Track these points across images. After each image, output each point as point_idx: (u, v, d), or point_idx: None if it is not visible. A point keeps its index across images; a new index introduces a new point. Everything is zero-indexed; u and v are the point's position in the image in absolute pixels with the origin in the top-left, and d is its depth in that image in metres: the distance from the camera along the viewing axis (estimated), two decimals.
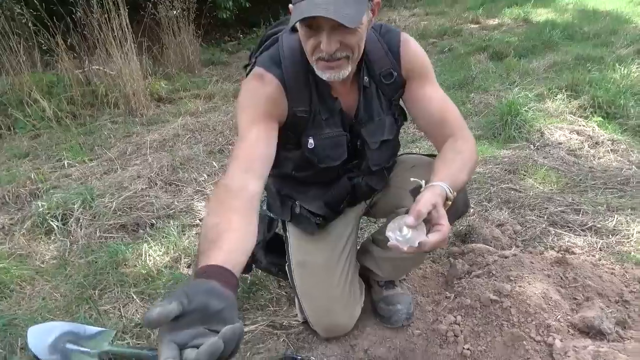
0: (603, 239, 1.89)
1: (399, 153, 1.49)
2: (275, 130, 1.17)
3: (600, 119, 3.21)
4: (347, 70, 1.11)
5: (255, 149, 1.09)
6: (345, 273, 1.45)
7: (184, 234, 2.23)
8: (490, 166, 2.64)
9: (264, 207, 1.55)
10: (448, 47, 5.50)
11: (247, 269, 1.75)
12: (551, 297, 1.40)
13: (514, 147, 2.94)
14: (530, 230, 1.97)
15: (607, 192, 2.29)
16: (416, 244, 0.94)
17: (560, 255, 1.64)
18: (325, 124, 1.24)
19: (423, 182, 1.06)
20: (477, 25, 6.41)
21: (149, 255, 2.08)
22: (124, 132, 3.85)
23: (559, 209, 2.13)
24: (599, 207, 2.14)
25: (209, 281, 0.71)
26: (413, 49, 1.24)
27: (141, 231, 2.32)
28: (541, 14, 6.35)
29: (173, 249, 2.11)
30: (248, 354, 1.51)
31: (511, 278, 1.48)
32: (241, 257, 0.85)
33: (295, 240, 1.48)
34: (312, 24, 1.02)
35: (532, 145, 2.93)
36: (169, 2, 5.42)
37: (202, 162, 2.97)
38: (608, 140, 2.92)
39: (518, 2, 7.10)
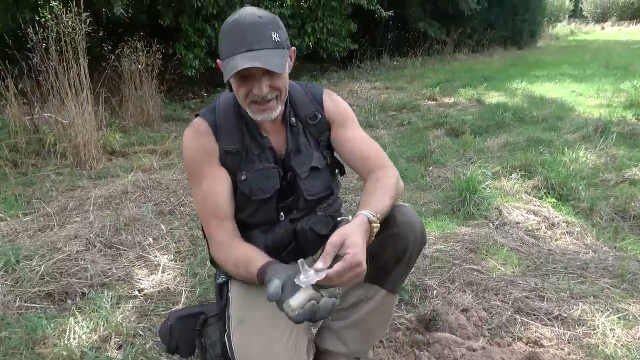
0: (570, 330, 1.79)
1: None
2: (220, 167, 1.31)
3: (554, 200, 3.25)
4: (277, 110, 1.26)
5: (215, 197, 1.29)
6: (289, 327, 1.25)
7: (119, 307, 1.95)
8: (452, 243, 2.56)
9: (215, 273, 1.48)
10: (407, 120, 5.64)
11: (190, 349, 1.54)
12: None
13: (473, 224, 2.89)
14: (496, 318, 1.85)
15: (568, 277, 2.22)
16: (322, 277, 1.00)
17: (532, 350, 1.51)
18: (257, 159, 1.33)
19: (350, 217, 1.15)
20: (434, 102, 6.67)
21: (74, 332, 1.79)
22: (69, 185, 3.55)
23: (523, 294, 2.03)
24: (562, 293, 2.06)
25: (272, 266, 1.12)
26: (334, 98, 1.43)
27: (69, 301, 2.02)
28: (493, 97, 6.70)
29: (103, 325, 1.83)
30: None
31: None
32: (266, 256, 1.20)
33: (236, 297, 1.36)
34: (245, 74, 1.16)
35: (491, 224, 2.89)
36: (134, 55, 5.31)
37: (150, 223, 2.73)
38: (563, 222, 2.93)
39: (471, 84, 7.51)
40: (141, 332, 1.80)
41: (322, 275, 1.00)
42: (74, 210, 3.01)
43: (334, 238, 1.05)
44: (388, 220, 1.24)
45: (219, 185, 1.30)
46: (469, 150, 4.35)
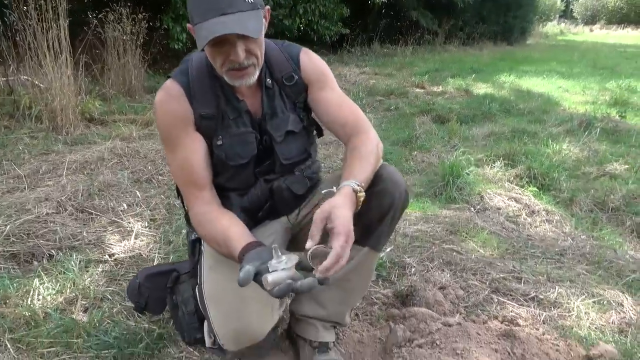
0: (546, 312, 1.78)
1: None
2: (195, 133, 1.25)
3: (535, 189, 3.26)
4: (255, 75, 1.21)
5: (192, 165, 1.24)
6: None
7: (87, 271, 1.88)
8: (432, 224, 2.54)
9: (187, 230, 1.44)
10: (394, 105, 5.60)
11: (160, 306, 1.49)
12: None
13: (454, 208, 2.88)
14: (473, 296, 1.83)
15: (546, 261, 2.23)
16: (294, 262, 0.99)
17: (507, 328, 1.49)
18: (233, 124, 1.27)
19: (334, 189, 1.12)
20: (422, 90, 6.64)
21: (39, 293, 1.71)
22: (43, 149, 3.43)
23: (501, 275, 2.02)
24: (540, 276, 2.06)
25: (249, 252, 1.06)
26: (312, 57, 1.36)
27: (35, 263, 1.94)
28: (481, 88, 6.70)
29: (70, 287, 1.76)
30: None
31: (457, 351, 1.30)
32: (248, 233, 1.17)
33: (209, 250, 1.30)
34: (219, 40, 1.09)
35: (472, 208, 2.88)
36: (117, 22, 5.14)
37: (125, 190, 2.64)
38: (543, 210, 2.94)
39: (460, 74, 7.50)
40: (109, 296, 1.73)
41: (294, 261, 0.98)
42: (46, 173, 2.90)
43: (319, 214, 1.02)
44: (373, 179, 1.22)
45: (195, 152, 1.25)
46: (455, 138, 4.34)
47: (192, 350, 1.48)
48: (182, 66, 1.29)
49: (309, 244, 0.99)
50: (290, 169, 1.35)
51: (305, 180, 1.38)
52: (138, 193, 2.62)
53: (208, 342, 1.24)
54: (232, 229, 1.17)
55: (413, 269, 2.02)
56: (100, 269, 1.91)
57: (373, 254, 1.31)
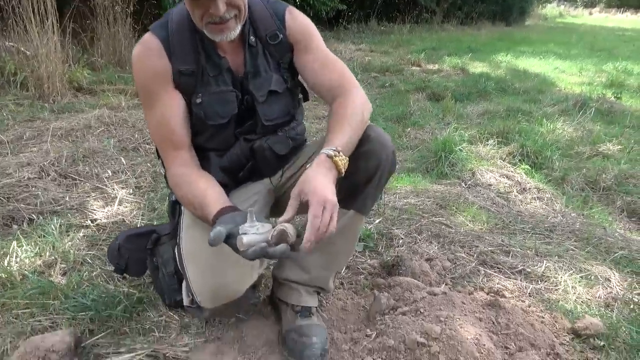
0: (532, 284, 1.77)
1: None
2: (173, 90, 1.21)
3: (527, 167, 3.24)
4: (237, 29, 1.16)
5: (169, 123, 1.20)
6: None
7: (68, 235, 1.84)
8: (422, 198, 2.51)
9: (169, 192, 1.39)
10: (389, 82, 5.52)
11: (141, 268, 1.47)
12: (484, 345, 1.21)
13: (445, 183, 2.85)
14: (460, 268, 1.81)
15: (535, 237, 2.21)
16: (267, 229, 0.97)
17: (493, 298, 1.47)
18: (213, 82, 1.22)
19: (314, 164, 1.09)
20: (418, 68, 6.55)
21: (17, 256, 1.67)
22: (28, 115, 3.35)
23: (489, 248, 2.00)
24: (528, 251, 2.04)
25: (224, 215, 1.04)
26: (297, 15, 1.30)
27: (15, 227, 1.89)
28: (477, 67, 6.62)
29: (49, 251, 1.71)
30: None
31: (441, 319, 1.28)
32: (224, 197, 1.15)
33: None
34: None
35: (463, 184, 2.85)
36: None
37: (110, 157, 2.58)
38: (534, 188, 2.92)
39: (457, 53, 7.40)
40: (89, 260, 1.69)
41: (268, 228, 0.96)
42: (30, 139, 2.83)
43: (294, 190, 1.02)
44: (360, 139, 1.18)
45: (172, 109, 1.20)
46: (449, 115, 4.28)
47: (172, 314, 1.45)
48: (162, 19, 1.24)
49: (280, 219, 0.98)
50: (272, 130, 1.31)
51: (288, 140, 1.34)
52: (124, 160, 2.56)
53: (186, 300, 1.21)
54: (209, 193, 1.13)
55: (401, 241, 2.00)
56: (81, 234, 1.87)
57: (359, 217, 1.27)
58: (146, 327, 1.39)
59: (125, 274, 1.55)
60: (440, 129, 3.93)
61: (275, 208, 1.41)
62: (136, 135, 3.00)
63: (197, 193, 1.14)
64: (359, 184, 1.23)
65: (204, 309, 1.16)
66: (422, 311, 1.36)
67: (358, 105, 1.20)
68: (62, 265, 1.66)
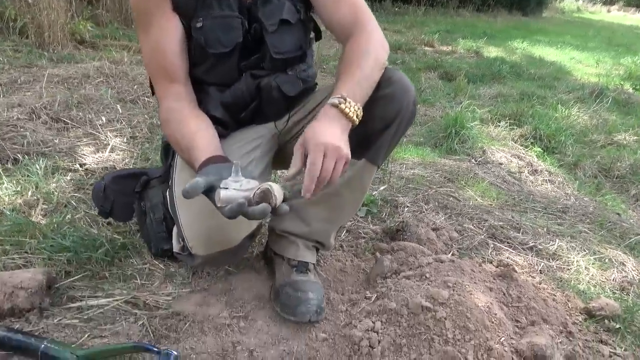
0: (544, 261, 1.65)
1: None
2: (171, 13, 1.08)
3: (539, 150, 3.11)
4: None
5: (165, 51, 1.08)
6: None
7: (53, 177, 1.72)
8: (430, 171, 2.38)
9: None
10: (401, 60, 5.35)
11: (127, 213, 1.36)
12: (495, 314, 1.10)
13: (454, 158, 2.72)
14: (467, 240, 1.70)
15: (546, 216, 2.09)
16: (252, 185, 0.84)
17: (505, 269, 1.36)
18: (216, 4, 1.08)
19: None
20: (431, 48, 6.35)
21: None
22: (25, 62, 3.20)
23: (499, 223, 1.88)
24: (539, 229, 1.92)
25: (210, 165, 0.93)
26: None
27: None
28: (492, 51, 6.42)
29: (32, 190, 1.60)
30: (86, 335, 1.06)
31: (449, 284, 1.16)
32: (216, 143, 1.03)
33: None
34: None
35: (473, 160, 2.72)
36: None
37: (107, 105, 2.45)
38: (546, 170, 2.79)
39: (472, 37, 7.18)
40: (74, 203, 1.58)
41: (253, 185, 0.84)
42: (24, 84, 2.69)
43: (297, 143, 0.94)
44: (380, 83, 1.06)
45: (169, 36, 1.08)
46: (461, 95, 4.13)
47: (157, 262, 1.34)
48: None
49: (287, 175, 0.91)
50: (282, 67, 1.17)
51: (299, 81, 1.20)
52: (120, 110, 2.43)
53: (176, 247, 1.09)
54: (200, 136, 1.01)
55: (406, 209, 1.88)
56: (68, 177, 1.75)
57: (370, 167, 1.15)
58: (127, 274, 1.27)
59: (110, 219, 1.43)
60: (451, 107, 3.78)
61: (278, 157, 1.29)
62: (135, 87, 2.86)
63: (186, 133, 1.02)
64: (374, 131, 1.11)
65: (196, 257, 1.04)
66: (427, 276, 1.24)
67: (372, 45, 1.07)
68: (44, 206, 1.54)
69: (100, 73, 3.05)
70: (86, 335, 1.05)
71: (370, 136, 1.12)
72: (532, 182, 2.59)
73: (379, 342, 1.06)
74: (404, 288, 1.19)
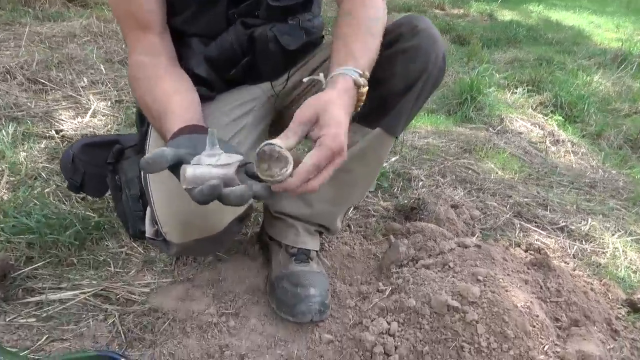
0: (577, 244, 1.45)
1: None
2: None
3: (560, 118, 2.87)
4: None
5: None
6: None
7: (24, 145, 1.51)
8: (445, 140, 2.15)
9: None
10: None
11: (100, 187, 1.16)
12: (537, 316, 0.90)
13: (471, 127, 2.49)
14: (491, 219, 1.49)
15: (574, 191, 1.87)
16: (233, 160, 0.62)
17: (540, 256, 1.15)
18: None
19: (321, 76, 0.76)
20: (441, 11, 5.99)
21: None
22: (7, 19, 2.93)
23: (524, 199, 1.67)
24: (568, 206, 1.71)
25: (182, 135, 0.70)
26: None
27: None
28: (506, 15, 6.05)
29: None
30: (44, 338, 0.87)
31: (479, 277, 0.97)
32: (196, 109, 0.80)
33: None
34: None
35: (491, 129, 2.49)
36: None
37: (91, 66, 2.21)
38: (568, 141, 2.56)
39: (485, 0, 6.79)
40: (45, 175, 1.37)
41: (234, 160, 0.62)
42: (3, 42, 2.45)
43: (304, 111, 0.67)
44: (402, 33, 0.85)
45: None
46: (474, 60, 3.84)
47: (135, 246, 1.14)
48: None
49: (277, 142, 0.63)
50: (280, 16, 0.94)
51: (301, 32, 0.97)
52: (105, 71, 2.19)
53: (149, 230, 0.89)
54: (176, 101, 0.79)
55: (420, 183, 1.67)
56: (43, 145, 1.54)
57: (386, 138, 0.93)
58: (100, 260, 1.08)
59: (83, 193, 1.23)
60: (465, 72, 3.51)
61: (276, 126, 1.07)
62: (125, 48, 2.60)
63: (159, 96, 0.80)
64: (393, 92, 0.88)
65: (171, 244, 0.84)
66: (451, 266, 1.04)
67: (380, 10, 0.85)
68: (11, 179, 1.34)
69: (87, 32, 2.78)
70: (44, 338, 0.86)
71: (388, 99, 0.90)
72: (555, 154, 2.37)
73: (396, 348, 0.87)
74: (424, 280, 0.99)
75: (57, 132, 1.63)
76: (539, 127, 2.66)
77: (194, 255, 1.08)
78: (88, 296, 0.96)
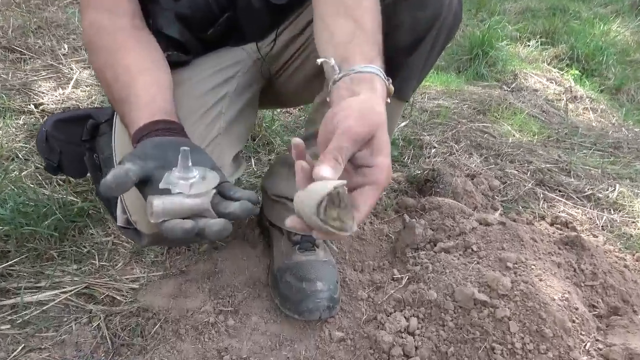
0: (605, 214, 1.33)
1: None
2: None
3: (577, 72, 2.68)
4: None
5: None
6: (204, 127, 0.75)
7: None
8: (457, 101, 1.99)
9: None
10: None
11: (80, 168, 1.01)
12: (576, 308, 0.79)
13: (483, 85, 2.32)
14: (512, 189, 1.36)
15: (597, 154, 1.73)
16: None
17: (572, 233, 1.03)
18: None
19: (332, 62, 0.56)
20: None
21: None
22: None
23: (545, 165, 1.53)
24: (592, 170, 1.58)
25: (150, 139, 0.56)
26: None
27: None
28: None
29: None
30: (20, 347, 0.77)
31: (507, 263, 0.85)
32: (165, 95, 0.65)
33: None
34: None
35: (505, 87, 2.32)
36: None
37: (73, 31, 2.03)
38: (587, 97, 2.39)
39: None
40: (21, 156, 1.24)
41: (213, 182, 0.51)
42: None
43: (358, 126, 0.49)
44: None
45: None
46: (483, 11, 3.60)
47: (120, 236, 1.03)
48: None
49: (325, 173, 0.45)
50: None
51: None
52: None
53: (120, 219, 0.76)
54: (140, 82, 0.65)
55: (433, 150, 1.53)
56: (20, 121, 1.40)
57: (396, 104, 0.78)
58: (83, 252, 0.97)
59: (62, 175, 1.11)
60: (474, 25, 3.28)
61: (267, 95, 0.92)
62: None
63: (121, 74, 0.66)
64: (399, 49, 0.72)
65: (142, 235, 0.72)
66: (474, 249, 0.92)
67: None
68: None
69: None
70: (20, 348, 0.76)
71: (394, 57, 0.72)
72: (573, 111, 2.21)
73: (417, 349, 0.76)
74: (444, 268, 0.87)
75: (36, 106, 1.48)
76: (555, 82, 2.49)
77: (170, 246, 0.97)
78: (70, 296, 0.86)
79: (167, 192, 0.49)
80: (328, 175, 0.45)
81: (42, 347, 0.77)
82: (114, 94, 0.65)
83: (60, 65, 1.74)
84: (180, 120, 0.65)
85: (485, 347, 0.73)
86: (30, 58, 1.77)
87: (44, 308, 0.83)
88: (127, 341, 0.79)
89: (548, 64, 2.78)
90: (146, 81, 0.64)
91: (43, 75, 1.66)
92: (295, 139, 0.50)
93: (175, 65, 0.73)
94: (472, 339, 0.75)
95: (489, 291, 0.79)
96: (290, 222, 0.46)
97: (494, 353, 0.72)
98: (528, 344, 0.72)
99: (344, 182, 0.44)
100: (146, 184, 0.51)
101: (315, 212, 0.42)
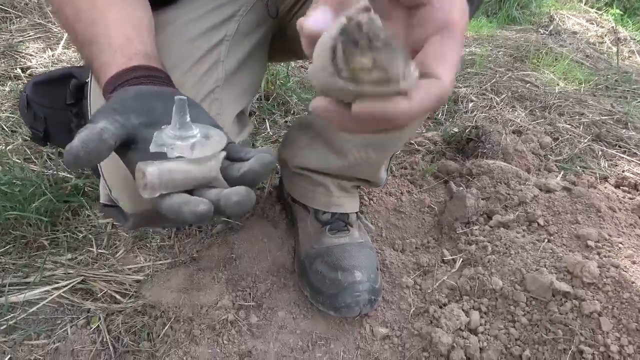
0: None
1: None
2: None
3: (618, 12, 2.41)
4: None
5: None
6: (197, 79, 0.58)
7: None
8: (491, 48, 1.77)
9: None
10: None
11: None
12: None
13: (517, 29, 2.08)
14: (566, 146, 1.18)
15: None
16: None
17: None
18: None
19: None
20: None
21: None
22: None
23: (599, 117, 1.34)
24: None
25: (129, 87, 0.40)
26: None
27: None
28: None
29: None
30: (6, 359, 0.64)
31: (588, 242, 0.69)
32: (143, 36, 0.47)
33: None
34: None
35: (541, 30, 2.08)
36: None
37: None
38: (630, 38, 2.14)
39: None
40: (9, 127, 1.09)
41: (216, 144, 0.35)
42: None
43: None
44: None
45: None
46: None
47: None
48: None
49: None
50: None
51: None
52: None
53: (103, 196, 0.61)
54: (111, 18, 0.47)
55: (471, 104, 1.34)
56: (6, 88, 1.24)
57: None
58: (79, 237, 0.83)
59: (52, 146, 0.96)
60: None
61: (277, 44, 0.74)
62: None
63: (86, 9, 0.48)
64: None
65: (127, 215, 0.57)
66: (541, 223, 0.76)
67: None
68: None
69: None
70: (6, 359, 0.64)
71: None
72: (619, 55, 1.97)
73: (481, 350, 0.62)
74: (507, 248, 0.71)
75: (23, 70, 1.31)
76: (595, 24, 2.23)
77: (161, 228, 0.82)
78: (63, 292, 0.72)
79: (161, 156, 0.34)
80: (320, 20, 0.25)
81: (32, 358, 0.64)
82: (77, 37, 0.48)
83: (49, 24, 1.55)
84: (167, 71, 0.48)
85: (571, 350, 0.58)
86: (16, 17, 1.58)
87: (34, 309, 0.70)
88: (132, 347, 0.66)
89: (585, 4, 2.50)
90: (118, 18, 0.47)
91: (30, 36, 1.49)
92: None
93: (157, 4, 0.55)
94: (552, 339, 0.60)
95: (571, 278, 0.63)
96: (315, 102, 0.26)
97: (583, 357, 0.58)
98: (626, 346, 0.57)
99: (368, 5, 0.23)
100: (130, 148, 0.35)
101: (331, 68, 0.23)
